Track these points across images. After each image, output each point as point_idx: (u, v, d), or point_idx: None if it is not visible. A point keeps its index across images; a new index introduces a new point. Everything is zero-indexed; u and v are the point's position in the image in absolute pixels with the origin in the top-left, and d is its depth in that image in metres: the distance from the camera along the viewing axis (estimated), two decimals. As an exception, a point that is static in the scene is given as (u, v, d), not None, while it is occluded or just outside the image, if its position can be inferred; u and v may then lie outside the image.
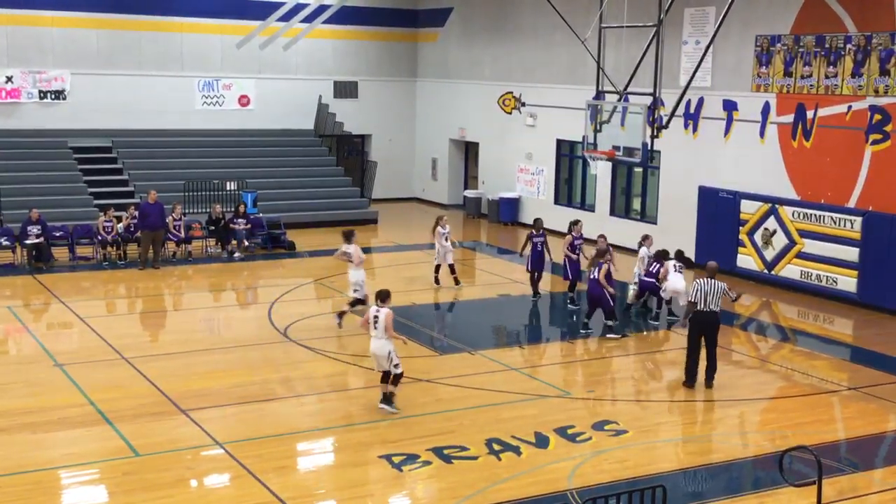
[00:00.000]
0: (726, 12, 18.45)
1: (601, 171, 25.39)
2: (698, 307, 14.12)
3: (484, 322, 18.78)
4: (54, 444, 11.86)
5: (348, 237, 17.33)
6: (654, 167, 24.41)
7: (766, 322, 19.49)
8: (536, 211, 28.81)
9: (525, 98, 29.02)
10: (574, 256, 19.57)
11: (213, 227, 24.35)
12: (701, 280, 14.17)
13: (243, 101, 30.66)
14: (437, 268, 20.90)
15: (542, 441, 12.17)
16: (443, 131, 32.73)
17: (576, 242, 19.65)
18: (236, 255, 23.72)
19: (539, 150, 28.71)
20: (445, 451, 11.69)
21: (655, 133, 18.88)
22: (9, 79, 27.37)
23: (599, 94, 20.26)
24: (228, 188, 27.17)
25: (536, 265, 20.02)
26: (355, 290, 17.10)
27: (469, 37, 31.29)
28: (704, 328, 14.21)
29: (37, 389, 13.76)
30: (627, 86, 19.75)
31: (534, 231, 20.23)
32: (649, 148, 18.81)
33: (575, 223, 20.13)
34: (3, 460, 11.36)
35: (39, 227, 22.11)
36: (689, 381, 14.40)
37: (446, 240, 20.63)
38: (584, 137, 20.11)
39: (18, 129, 27.38)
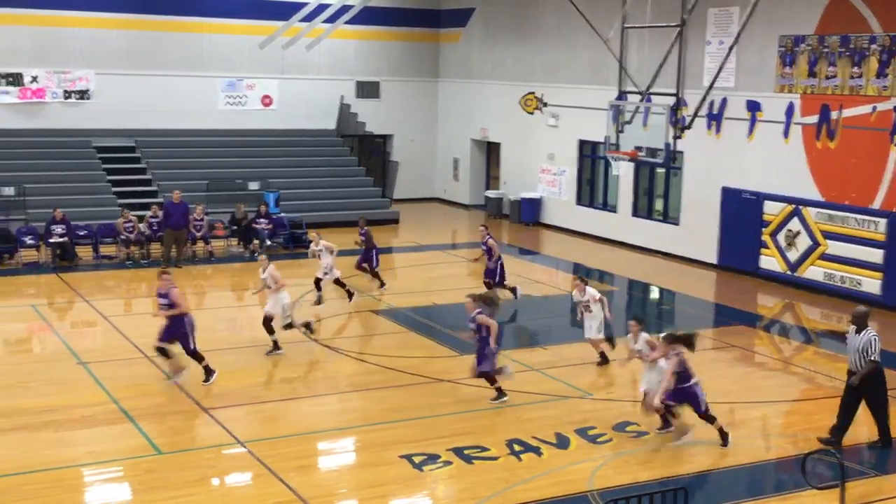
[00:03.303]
0: (751, 12, 18.33)
1: (623, 172, 25.35)
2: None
3: (505, 322, 18.72)
4: (77, 442, 11.96)
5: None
6: (676, 168, 24.30)
7: (788, 324, 19.37)
8: (559, 211, 28.81)
9: (547, 98, 28.96)
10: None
11: (235, 227, 24.47)
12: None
13: (266, 101, 30.78)
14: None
15: (562, 442, 12.14)
16: (464, 131, 32.72)
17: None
18: (258, 254, 23.75)
19: (561, 151, 28.65)
20: (466, 452, 11.69)
21: (678, 133, 18.80)
22: (34, 79, 27.59)
23: (622, 95, 20.19)
24: (251, 188, 27.31)
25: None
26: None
27: (491, 37, 31.27)
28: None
29: (60, 387, 13.87)
30: (650, 86, 19.67)
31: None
32: (672, 148, 18.73)
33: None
34: (26, 458, 11.45)
35: (64, 226, 22.30)
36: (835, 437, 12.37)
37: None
38: (606, 138, 20.04)
39: (43, 129, 27.60)
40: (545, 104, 29.07)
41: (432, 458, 11.50)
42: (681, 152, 23.06)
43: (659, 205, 26.03)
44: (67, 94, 28.08)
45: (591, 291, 15.40)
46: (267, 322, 15.52)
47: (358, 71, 32.26)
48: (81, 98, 28.21)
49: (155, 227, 23.11)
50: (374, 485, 10.91)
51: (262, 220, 24.33)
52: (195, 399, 13.38)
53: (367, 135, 32.15)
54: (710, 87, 19.03)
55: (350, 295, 19.11)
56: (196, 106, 29.60)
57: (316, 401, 13.73)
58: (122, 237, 22.96)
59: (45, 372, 14.40)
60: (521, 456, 11.67)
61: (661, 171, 25.05)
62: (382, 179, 31.45)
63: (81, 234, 23.05)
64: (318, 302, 18.82)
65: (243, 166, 28.47)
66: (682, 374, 11.82)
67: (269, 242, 24.15)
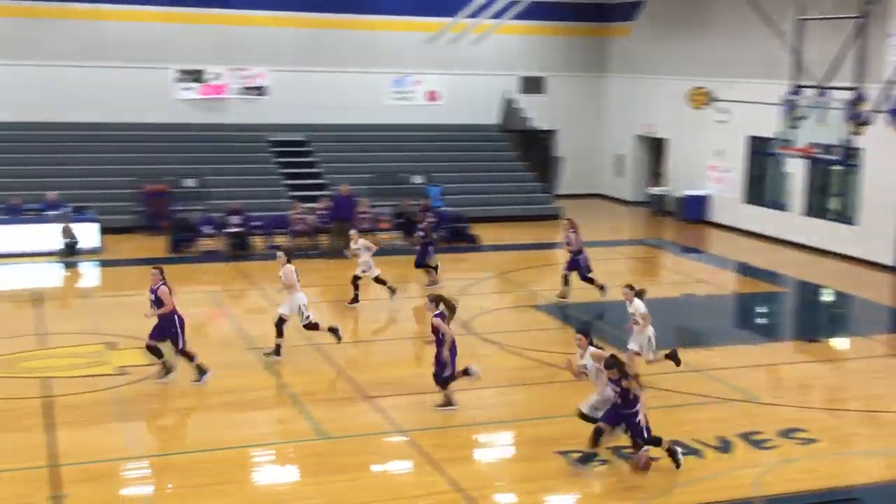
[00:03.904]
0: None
1: (795, 169, 24.43)
2: None
3: (666, 322, 18.37)
4: (248, 424, 12.51)
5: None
6: (853, 165, 23.23)
7: (974, 332, 18.23)
8: (726, 209, 28.05)
9: (716, 93, 28.21)
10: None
11: (399, 220, 24.98)
12: None
13: (432, 96, 31.24)
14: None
15: (725, 446, 11.86)
16: (629, 127, 32.28)
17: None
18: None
19: (730, 147, 27.87)
20: (624, 451, 11.57)
21: (857, 130, 17.98)
22: (215, 76, 28.95)
23: (796, 89, 19.48)
24: (414, 182, 27.80)
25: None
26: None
27: (660, 31, 30.71)
28: None
29: (234, 371, 14.52)
30: (827, 80, 18.87)
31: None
32: (850, 145, 17.94)
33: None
34: (201, 437, 12.10)
35: (240, 217, 23.35)
36: None
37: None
38: (778, 134, 19.39)
39: (223, 124, 28.90)
40: (714, 99, 28.31)
41: (590, 456, 11.44)
42: (860, 149, 22.01)
43: (834, 204, 24.95)
44: (245, 91, 29.31)
45: (638, 304, 14.05)
46: (280, 323, 14.93)
47: (523, 66, 32.31)
48: (258, 94, 29.40)
49: (324, 220, 23.88)
50: (531, 479, 10.96)
51: (425, 213, 24.70)
52: (360, 387, 13.76)
53: (530, 130, 32.18)
54: (894, 81, 18.09)
55: (392, 291, 18.81)
56: (364, 101, 30.34)
57: (475, 394, 13.86)
58: (293, 228, 23.82)
59: (220, 355, 15.09)
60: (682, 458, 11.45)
61: (836, 168, 24.01)
62: (545, 175, 31.37)
63: (256, 224, 24.06)
64: (355, 300, 18.48)
65: (408, 160, 29.01)
66: (626, 400, 10.97)
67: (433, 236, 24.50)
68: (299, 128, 29.52)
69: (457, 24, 28.60)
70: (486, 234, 25.45)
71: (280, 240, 24.05)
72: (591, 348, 11.69)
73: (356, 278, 18.52)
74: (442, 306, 12.82)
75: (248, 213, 23.79)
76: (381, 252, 23.77)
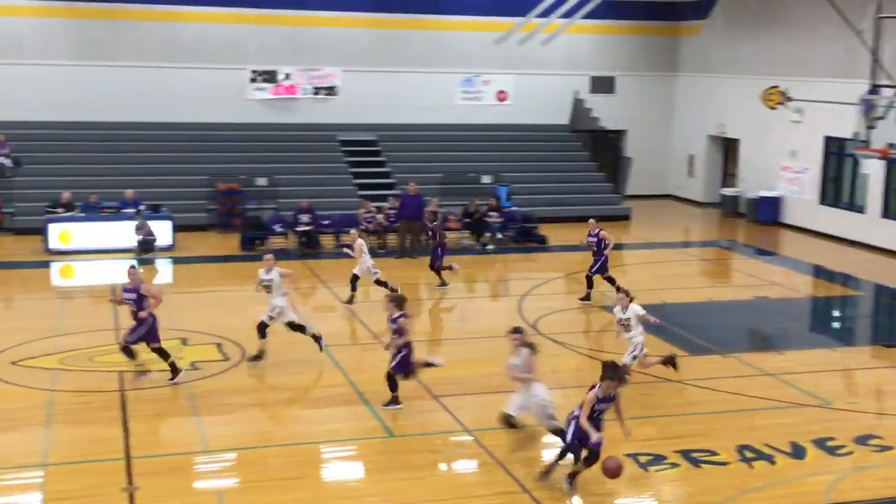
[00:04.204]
0: None
1: (873, 170, 23.88)
2: None
3: (738, 324, 18.15)
4: (317, 420, 12.66)
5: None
6: (934, 167, 22.62)
7: None
8: (801, 210, 27.52)
9: (791, 93, 27.69)
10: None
11: (467, 220, 25.01)
12: None
13: (501, 96, 31.22)
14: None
15: (798, 451, 11.64)
16: (701, 127, 31.85)
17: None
18: (489, 247, 24.24)
19: (805, 148, 27.33)
20: (694, 455, 11.44)
21: (937, 130, 17.52)
22: (287, 76, 29.31)
23: (874, 89, 19.03)
24: (483, 182, 27.81)
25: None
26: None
27: (733, 29, 30.25)
28: None
29: (305, 368, 14.68)
30: (907, 79, 18.44)
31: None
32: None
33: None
34: (270, 432, 12.27)
35: (309, 215, 23.62)
36: None
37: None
38: (855, 134, 18.98)
39: (294, 124, 29.25)
40: (789, 98, 27.80)
41: (658, 458, 11.33)
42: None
43: (914, 206, 24.33)
44: (316, 91, 29.61)
45: (635, 308, 13.60)
46: (262, 327, 14.61)
47: (593, 66, 32.09)
48: (329, 94, 29.68)
49: (392, 219, 24.03)
50: (599, 482, 10.87)
51: (493, 213, 24.74)
52: (426, 385, 13.81)
53: (600, 130, 31.95)
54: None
55: (351, 297, 18.42)
56: (434, 101, 30.44)
57: (542, 394, 13.80)
58: (362, 227, 24.01)
59: (292, 353, 15.27)
60: (753, 463, 11.28)
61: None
62: (615, 175, 31.12)
63: (325, 223, 24.31)
64: (350, 301, 18.32)
65: (476, 160, 29.02)
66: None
67: (499, 236, 24.55)
68: (369, 127, 29.72)
69: (527, 23, 28.53)
70: (555, 234, 25.34)
71: (348, 239, 24.22)
72: (524, 349, 11.36)
73: (355, 277, 18.35)
74: (406, 307, 12.87)
75: (318, 212, 24.05)
76: (449, 252, 23.88)
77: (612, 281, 18.45)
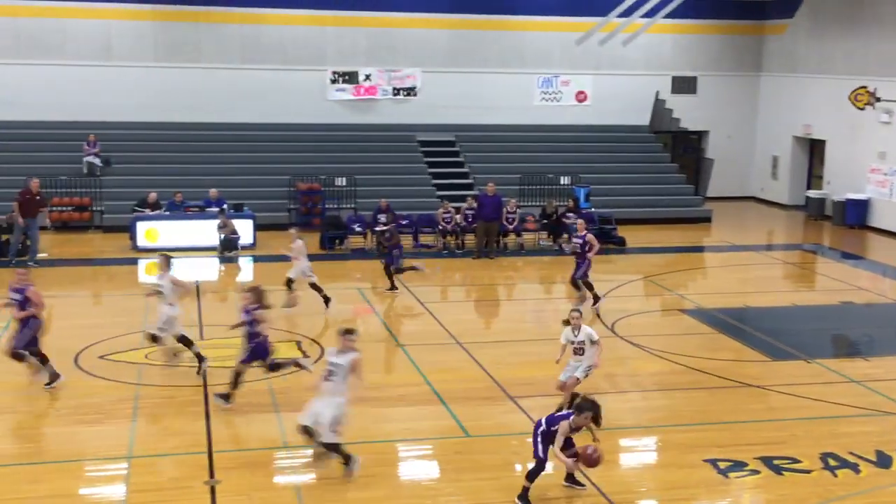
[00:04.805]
0: None
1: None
2: None
3: (823, 329, 17.74)
4: (394, 419, 12.74)
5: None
6: None
7: None
8: (890, 214, 26.79)
9: (880, 93, 26.97)
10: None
11: (545, 221, 24.92)
12: None
13: (580, 97, 31.02)
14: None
15: (884, 461, 11.33)
16: (786, 128, 31.21)
17: None
18: (567, 248, 24.08)
19: (894, 149, 26.59)
20: (775, 462, 11.22)
21: None
22: (367, 77, 29.57)
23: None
24: (562, 182, 27.68)
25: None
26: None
27: (820, 28, 29.57)
28: None
29: (382, 366, 14.83)
30: None
31: None
32: None
33: None
34: (349, 430, 12.34)
35: (388, 215, 23.77)
36: None
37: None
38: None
39: (373, 124, 29.49)
40: (878, 99, 27.09)
41: (739, 465, 11.14)
42: None
43: None
44: (396, 91, 29.81)
45: (588, 331, 12.68)
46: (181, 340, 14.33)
47: (674, 65, 31.68)
48: (408, 95, 29.86)
49: (470, 219, 24.06)
50: (677, 487, 10.75)
51: (571, 214, 24.58)
52: (501, 386, 13.80)
53: (681, 131, 31.51)
54: None
55: (327, 301, 17.75)
56: (513, 102, 30.39)
57: (619, 397, 13.71)
58: (440, 227, 24.10)
59: (368, 351, 15.30)
60: (837, 472, 11.03)
61: None
62: (696, 177, 30.66)
63: (403, 223, 24.44)
64: (290, 304, 17.66)
65: (555, 161, 28.88)
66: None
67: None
68: (448, 128, 29.81)
69: (607, 23, 28.30)
70: (634, 236, 25.08)
71: (426, 238, 24.33)
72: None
73: (289, 280, 17.83)
74: (265, 299, 12.83)
75: (396, 212, 24.19)
76: (527, 252, 23.85)
77: (590, 287, 18.11)
